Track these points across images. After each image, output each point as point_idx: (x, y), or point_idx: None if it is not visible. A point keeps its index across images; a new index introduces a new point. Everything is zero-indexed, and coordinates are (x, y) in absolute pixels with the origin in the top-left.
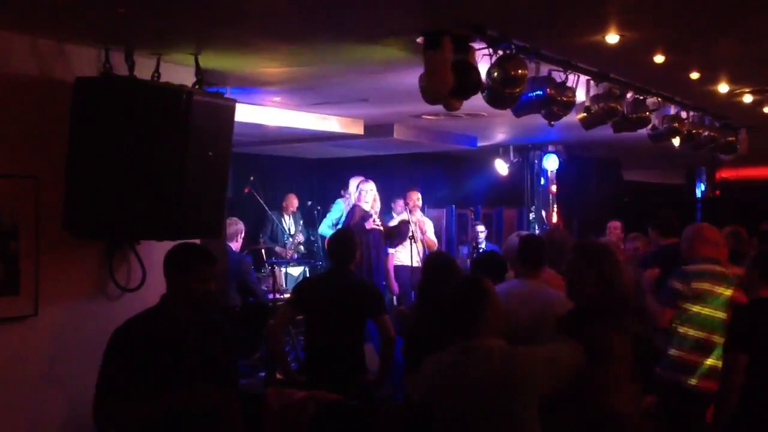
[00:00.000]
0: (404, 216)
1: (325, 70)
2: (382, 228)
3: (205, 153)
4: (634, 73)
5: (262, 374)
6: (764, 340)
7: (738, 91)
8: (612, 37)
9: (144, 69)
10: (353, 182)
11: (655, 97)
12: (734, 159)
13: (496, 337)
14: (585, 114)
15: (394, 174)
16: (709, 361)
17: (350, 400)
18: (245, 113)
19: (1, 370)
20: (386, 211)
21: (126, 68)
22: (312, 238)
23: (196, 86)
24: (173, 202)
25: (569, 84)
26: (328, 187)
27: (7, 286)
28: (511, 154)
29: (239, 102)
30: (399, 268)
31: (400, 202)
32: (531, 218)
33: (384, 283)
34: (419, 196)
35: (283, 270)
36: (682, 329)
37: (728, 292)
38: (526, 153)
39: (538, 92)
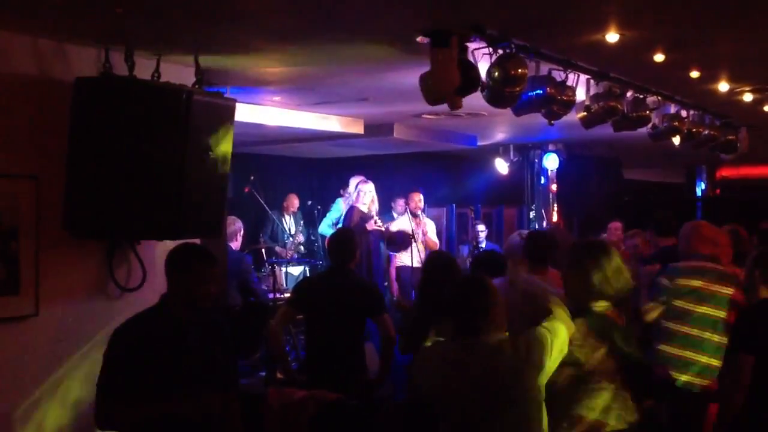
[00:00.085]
0: (405, 217)
1: (325, 69)
2: (383, 229)
3: (205, 152)
4: (634, 71)
5: (263, 374)
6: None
7: (738, 89)
8: (612, 36)
9: (144, 69)
10: (353, 181)
11: (655, 96)
12: (734, 158)
13: (500, 332)
14: (585, 113)
15: (394, 173)
16: (703, 359)
17: (350, 399)
18: (245, 113)
19: (1, 369)
20: (386, 211)
21: (126, 68)
22: (312, 238)
23: (196, 86)
24: (173, 201)
25: (569, 83)
26: (328, 187)
27: (7, 286)
28: (512, 153)
29: (239, 102)
30: (400, 269)
31: (401, 202)
32: (531, 217)
33: (385, 283)
34: (421, 197)
35: (284, 269)
36: (670, 325)
37: (727, 291)
38: (526, 152)
39: (538, 91)
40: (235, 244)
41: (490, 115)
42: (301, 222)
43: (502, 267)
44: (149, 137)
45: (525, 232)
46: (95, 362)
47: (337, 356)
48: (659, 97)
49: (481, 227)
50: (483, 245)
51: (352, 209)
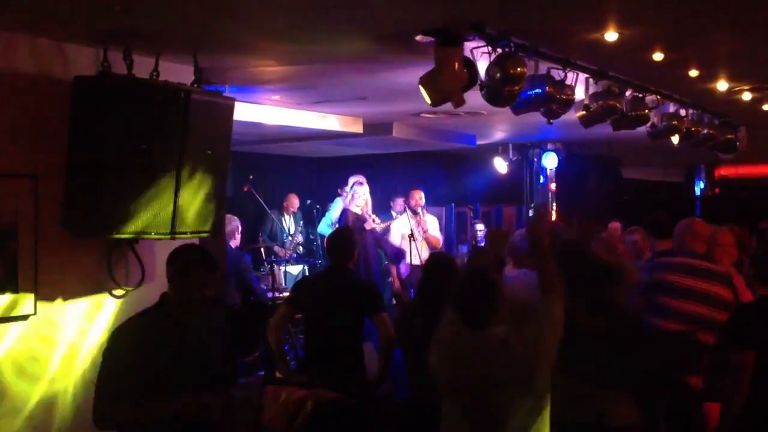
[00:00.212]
0: (404, 216)
1: (324, 68)
2: (381, 227)
3: (204, 151)
4: (633, 70)
5: (261, 373)
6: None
7: (737, 88)
8: (611, 35)
9: (143, 68)
10: (352, 180)
11: (654, 95)
12: (734, 157)
13: (505, 324)
14: (584, 112)
15: (393, 172)
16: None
17: (349, 398)
18: (244, 112)
19: (0, 368)
20: (385, 210)
21: (125, 67)
22: (311, 237)
23: (195, 85)
24: (172, 201)
25: (568, 82)
26: (327, 186)
27: (6, 285)
28: (511, 152)
29: (238, 101)
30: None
31: (400, 201)
32: (530, 216)
33: (389, 279)
34: (422, 195)
35: (282, 269)
36: (653, 320)
37: (710, 287)
38: (525, 151)
39: (537, 90)
40: (234, 243)
41: (489, 114)
42: (301, 222)
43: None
44: (148, 136)
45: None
46: (94, 361)
47: (336, 355)
48: (658, 96)
49: (479, 226)
50: (482, 244)
51: (345, 211)
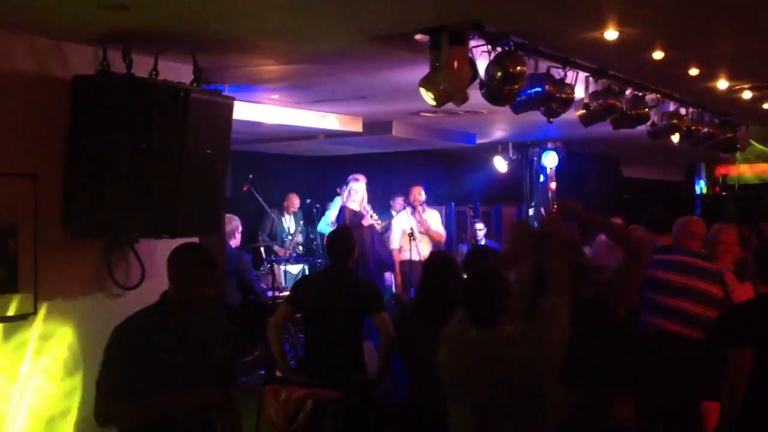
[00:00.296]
0: (404, 214)
1: (324, 67)
2: (379, 224)
3: (204, 151)
4: (633, 69)
5: (261, 372)
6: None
7: (737, 87)
8: (611, 34)
9: (142, 67)
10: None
11: (654, 94)
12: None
13: (513, 322)
14: (584, 111)
15: (393, 171)
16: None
17: (349, 397)
18: (243, 111)
19: (0, 368)
20: (386, 209)
21: (124, 66)
22: (311, 236)
23: (194, 84)
24: (171, 199)
25: (568, 81)
26: (326, 185)
27: (6, 285)
28: (510, 151)
29: (237, 100)
30: (401, 263)
31: (399, 200)
32: (530, 215)
33: (392, 275)
34: (421, 190)
35: (282, 268)
36: (650, 318)
37: (705, 286)
38: (525, 150)
39: (536, 89)
40: (234, 242)
41: (488, 112)
42: (301, 222)
43: None
44: (147, 135)
45: None
46: (94, 360)
47: (336, 355)
48: (658, 95)
49: (479, 226)
50: (482, 243)
51: (343, 209)
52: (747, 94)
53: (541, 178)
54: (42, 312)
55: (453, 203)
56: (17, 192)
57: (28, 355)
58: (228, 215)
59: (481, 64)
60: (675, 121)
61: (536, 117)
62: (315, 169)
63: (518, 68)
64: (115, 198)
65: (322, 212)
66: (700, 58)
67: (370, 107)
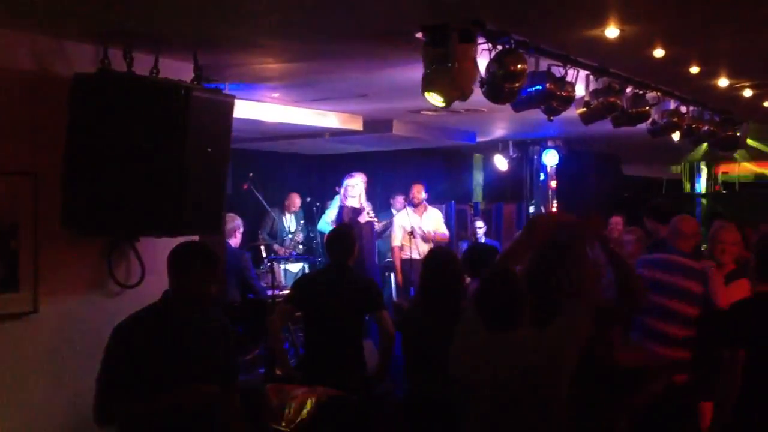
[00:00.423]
0: (404, 213)
1: (324, 66)
2: (376, 221)
3: (204, 149)
4: (634, 67)
5: (261, 371)
6: (763, 334)
7: (738, 85)
8: (611, 31)
9: (142, 65)
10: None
11: (654, 92)
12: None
13: (526, 327)
14: (584, 109)
15: (393, 170)
16: (669, 354)
17: (350, 395)
18: (244, 109)
19: (0, 366)
20: (386, 208)
21: (125, 65)
22: (311, 235)
23: (195, 82)
24: (172, 198)
25: (569, 79)
26: (327, 184)
27: (6, 283)
28: (511, 149)
29: (237, 98)
30: (402, 261)
31: (400, 198)
32: (530, 213)
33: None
34: (420, 188)
35: (282, 266)
36: (643, 317)
37: (682, 283)
38: (525, 148)
39: (537, 87)
40: (234, 241)
41: (489, 111)
42: (302, 221)
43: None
44: (148, 134)
45: None
46: (94, 359)
47: (336, 353)
48: (659, 93)
49: (479, 224)
50: (482, 241)
51: (341, 209)
52: (747, 92)
53: (542, 177)
54: (42, 310)
55: (453, 201)
56: (17, 190)
57: (28, 354)
58: (229, 214)
59: (482, 62)
60: (675, 119)
61: (537, 115)
62: (315, 167)
63: (519, 66)
64: (116, 196)
65: (322, 211)
66: (700, 56)
67: (371, 105)
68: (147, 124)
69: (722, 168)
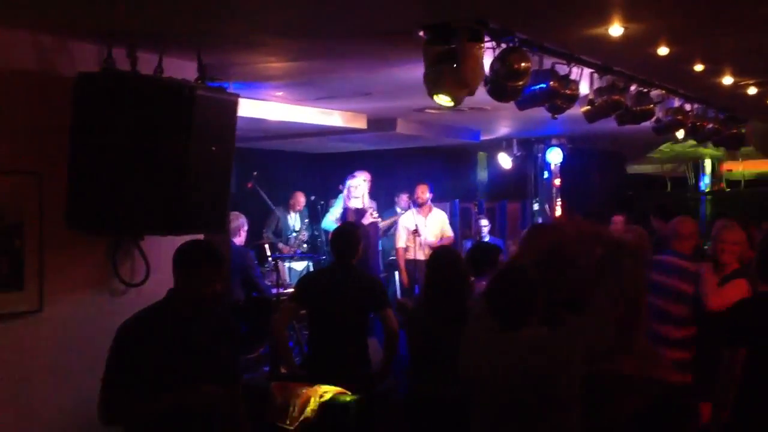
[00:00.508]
0: (409, 213)
1: (328, 64)
2: (380, 221)
3: (208, 148)
4: (638, 65)
5: (266, 369)
6: (765, 333)
7: (742, 83)
8: (616, 29)
9: (146, 64)
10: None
11: (658, 90)
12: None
13: (537, 326)
14: (589, 107)
15: (397, 168)
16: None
17: (354, 393)
18: (248, 108)
19: (5, 365)
20: (390, 206)
21: (128, 64)
22: (315, 233)
23: (199, 81)
24: (176, 197)
25: (573, 77)
26: (331, 182)
27: (11, 282)
28: (515, 147)
29: (241, 97)
30: (406, 262)
31: (404, 197)
32: (534, 211)
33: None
34: (425, 189)
35: (287, 265)
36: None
37: (676, 284)
38: (529, 146)
39: (541, 85)
40: (239, 240)
41: (493, 109)
42: (306, 220)
43: (495, 257)
44: (152, 132)
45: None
46: (99, 357)
47: (341, 351)
48: (663, 91)
49: (484, 222)
50: (486, 240)
51: (345, 211)
52: (752, 90)
53: (546, 175)
54: (47, 309)
55: (458, 200)
56: (22, 190)
57: (32, 353)
58: (234, 213)
59: (486, 61)
60: (680, 117)
61: (541, 113)
62: (319, 166)
63: (523, 64)
64: (120, 195)
65: (326, 209)
66: (705, 54)
67: (375, 104)
68: (151, 123)
69: (727, 166)
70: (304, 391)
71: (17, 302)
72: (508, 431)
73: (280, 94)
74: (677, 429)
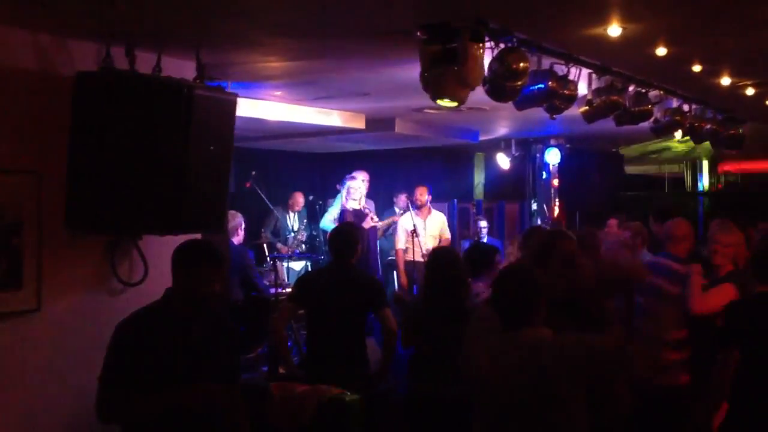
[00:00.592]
0: (408, 215)
1: (327, 64)
2: (380, 225)
3: (207, 147)
4: (636, 65)
5: (265, 369)
6: (758, 335)
7: (740, 83)
8: (614, 30)
9: (145, 63)
10: (350, 178)
11: (657, 90)
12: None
13: (544, 325)
14: (587, 107)
15: (396, 168)
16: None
17: (353, 393)
18: (246, 108)
19: (3, 364)
20: (389, 206)
21: (127, 63)
22: (314, 233)
23: (198, 80)
24: (175, 196)
25: (571, 77)
26: (329, 182)
27: (10, 281)
28: (513, 147)
29: (240, 96)
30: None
31: (402, 197)
32: (533, 211)
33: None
34: (424, 191)
35: (285, 264)
36: (636, 321)
37: (664, 285)
38: (527, 147)
39: (539, 85)
40: (237, 239)
41: (491, 109)
42: (305, 220)
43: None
44: (151, 132)
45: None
46: (97, 356)
47: (339, 351)
48: (661, 92)
49: (483, 224)
50: (485, 240)
51: (343, 212)
52: (750, 91)
53: (544, 175)
54: (45, 308)
55: (456, 200)
56: (21, 189)
57: (31, 352)
58: (231, 212)
59: (484, 61)
60: (678, 117)
61: (539, 113)
62: (317, 166)
63: (521, 65)
64: (119, 194)
65: (324, 209)
66: (703, 54)
67: (373, 104)
68: (150, 122)
69: (725, 166)
70: (302, 391)
71: (15, 301)
72: (510, 431)
73: (279, 93)
74: (674, 430)
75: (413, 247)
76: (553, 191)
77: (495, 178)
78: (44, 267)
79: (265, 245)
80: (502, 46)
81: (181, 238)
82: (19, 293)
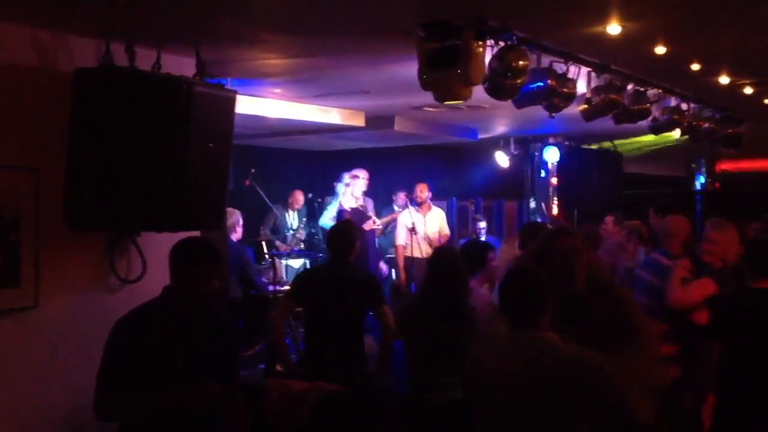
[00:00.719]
0: (407, 212)
1: (326, 61)
2: (380, 228)
3: (206, 145)
4: (635, 64)
5: (262, 366)
6: (744, 329)
7: (739, 82)
8: (613, 28)
9: (145, 60)
10: (346, 176)
11: (655, 89)
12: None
13: (549, 328)
14: (586, 105)
15: (395, 166)
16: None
17: (350, 391)
18: (246, 105)
19: (1, 361)
20: (388, 204)
21: (127, 59)
22: (312, 231)
23: (197, 77)
24: (174, 193)
25: (570, 75)
26: (328, 180)
27: (7, 278)
28: (512, 146)
29: (240, 93)
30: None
31: (402, 195)
32: (531, 210)
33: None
34: (423, 188)
35: (284, 262)
36: None
37: (653, 280)
38: (526, 145)
39: (539, 84)
40: (235, 236)
41: (491, 107)
42: (304, 218)
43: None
44: (150, 128)
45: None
46: (95, 354)
47: (337, 348)
48: (660, 90)
49: (482, 224)
50: (483, 239)
51: (341, 213)
52: (748, 90)
53: (543, 174)
54: (43, 305)
55: (455, 198)
56: (19, 185)
57: (28, 349)
58: (229, 209)
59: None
60: (676, 116)
61: (538, 112)
62: (317, 163)
63: (521, 63)
64: (117, 191)
65: (323, 207)
66: (702, 53)
67: (373, 102)
68: (149, 119)
69: (722, 165)
70: (300, 388)
71: (13, 298)
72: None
73: (279, 91)
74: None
75: (412, 243)
76: (551, 189)
77: (494, 176)
78: (42, 264)
79: (263, 242)
80: (501, 44)
81: (180, 235)
82: (17, 290)
